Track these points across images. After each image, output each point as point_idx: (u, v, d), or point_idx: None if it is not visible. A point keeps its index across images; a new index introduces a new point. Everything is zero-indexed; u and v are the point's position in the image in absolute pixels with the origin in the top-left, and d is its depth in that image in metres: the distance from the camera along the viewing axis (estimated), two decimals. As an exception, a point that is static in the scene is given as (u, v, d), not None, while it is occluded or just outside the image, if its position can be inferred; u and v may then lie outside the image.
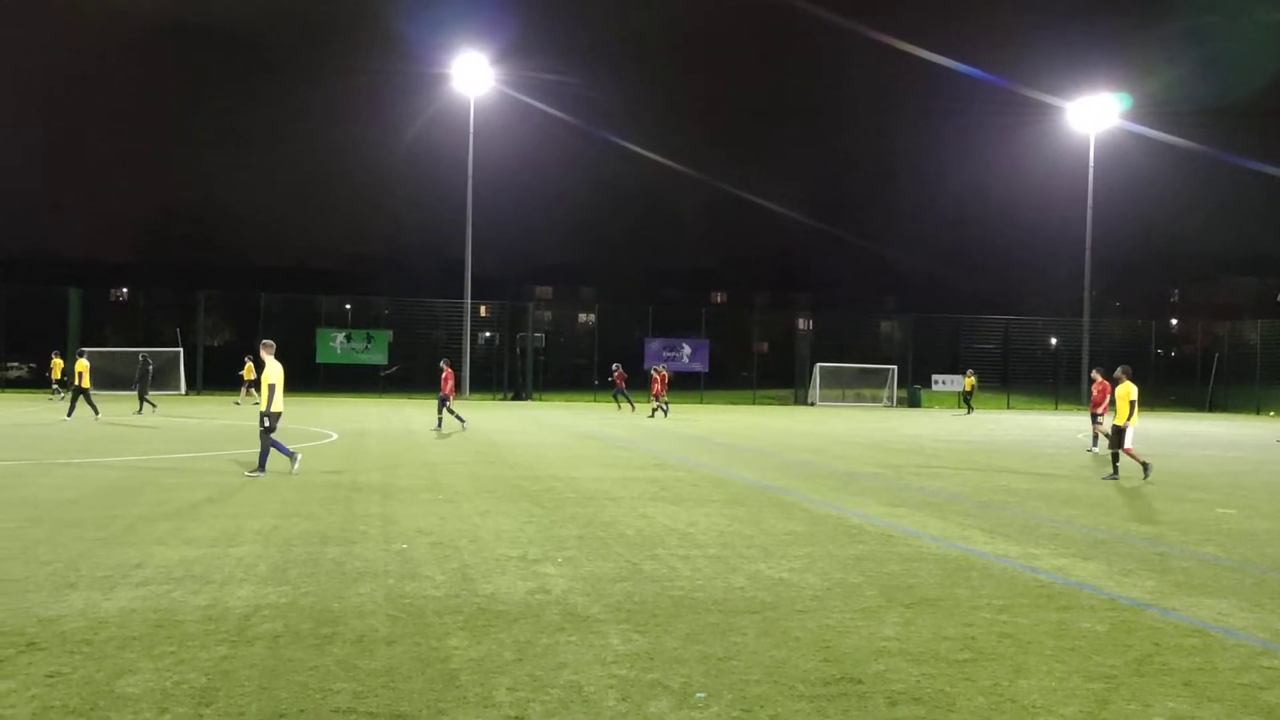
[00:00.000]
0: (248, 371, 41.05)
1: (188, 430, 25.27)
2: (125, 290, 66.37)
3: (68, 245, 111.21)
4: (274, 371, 15.44)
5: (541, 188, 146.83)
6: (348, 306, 60.26)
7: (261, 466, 15.39)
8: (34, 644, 6.35)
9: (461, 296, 53.86)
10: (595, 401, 51.03)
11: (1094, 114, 58.36)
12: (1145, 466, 17.72)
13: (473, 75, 52.39)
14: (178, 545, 9.63)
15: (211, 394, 48.44)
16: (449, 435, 25.15)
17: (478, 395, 52.14)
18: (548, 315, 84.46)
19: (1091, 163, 59.06)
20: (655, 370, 39.92)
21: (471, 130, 52.99)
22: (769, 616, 7.42)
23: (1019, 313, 66.16)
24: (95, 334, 52.16)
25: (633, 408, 40.98)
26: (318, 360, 52.31)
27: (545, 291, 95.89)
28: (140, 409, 32.28)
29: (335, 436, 23.82)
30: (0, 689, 5.53)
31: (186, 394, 47.68)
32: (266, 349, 15.75)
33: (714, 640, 6.76)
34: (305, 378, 52.13)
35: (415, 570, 8.72)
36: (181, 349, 48.92)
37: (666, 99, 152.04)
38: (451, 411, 27.20)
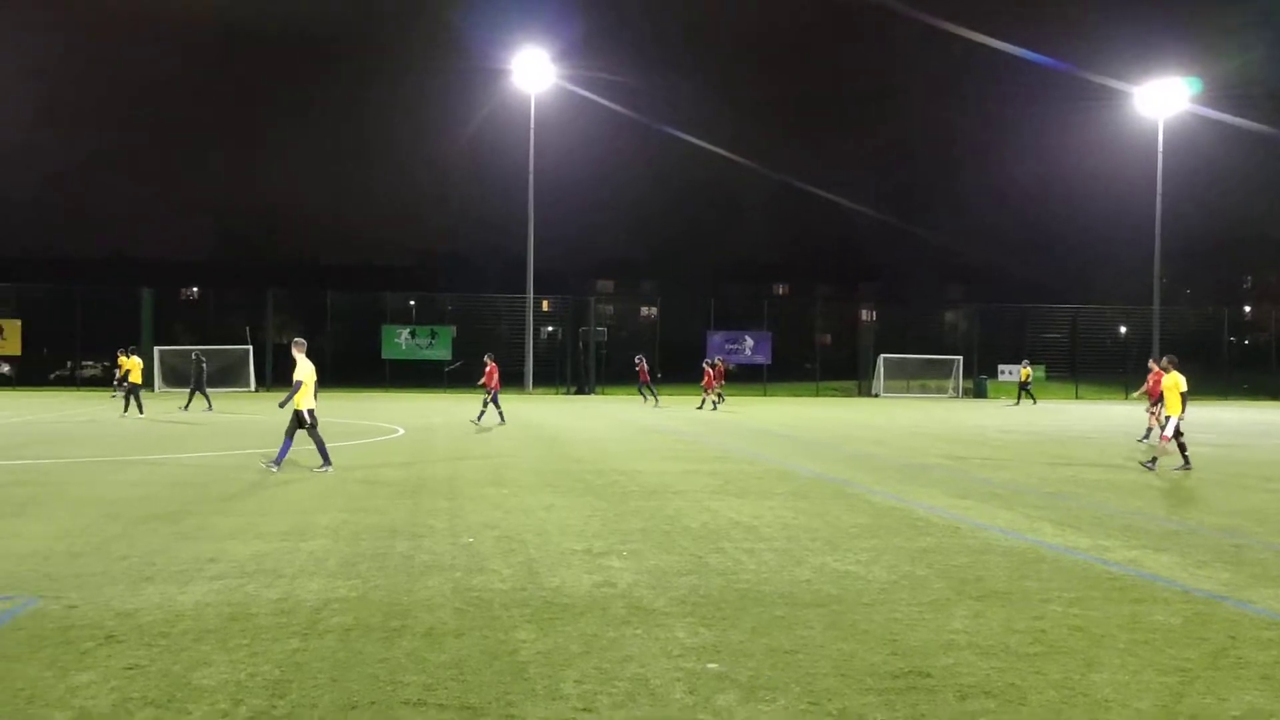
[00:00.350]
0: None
1: (256, 426, 25.68)
2: (196, 290, 67.66)
3: (142, 247, 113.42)
4: (304, 369, 15.63)
5: (602, 182, 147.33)
6: (412, 303, 60.91)
7: (326, 460, 15.59)
8: (113, 636, 6.50)
9: (524, 291, 54.18)
10: (659, 395, 51.05)
11: (1163, 98, 57.17)
12: (1185, 460, 17.37)
13: (534, 71, 52.62)
14: (249, 540, 9.80)
15: (281, 390, 49.20)
16: (489, 429, 25.32)
17: (541, 389, 52.43)
18: (609, 309, 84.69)
19: (1160, 148, 57.89)
20: (707, 364, 39.71)
21: (533, 126, 53.26)
22: (835, 610, 7.38)
23: (1087, 301, 65.09)
24: (167, 333, 53.27)
25: (656, 401, 40.86)
26: (383, 356, 52.91)
27: (607, 285, 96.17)
28: (187, 405, 32.86)
29: (401, 431, 24.09)
30: (81, 680, 5.67)
31: (256, 390, 48.49)
32: (298, 347, 15.93)
33: (780, 633, 6.74)
34: (371, 374, 52.80)
35: (482, 564, 8.79)
36: (251, 346, 49.75)
37: (727, 91, 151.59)
38: (496, 405, 27.26)
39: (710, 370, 38.84)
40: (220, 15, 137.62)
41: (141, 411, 29.32)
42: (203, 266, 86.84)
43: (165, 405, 35.43)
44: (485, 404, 27.18)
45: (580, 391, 52.06)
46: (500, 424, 26.73)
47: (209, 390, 33.83)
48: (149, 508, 11.78)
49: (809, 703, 5.45)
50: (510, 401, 42.43)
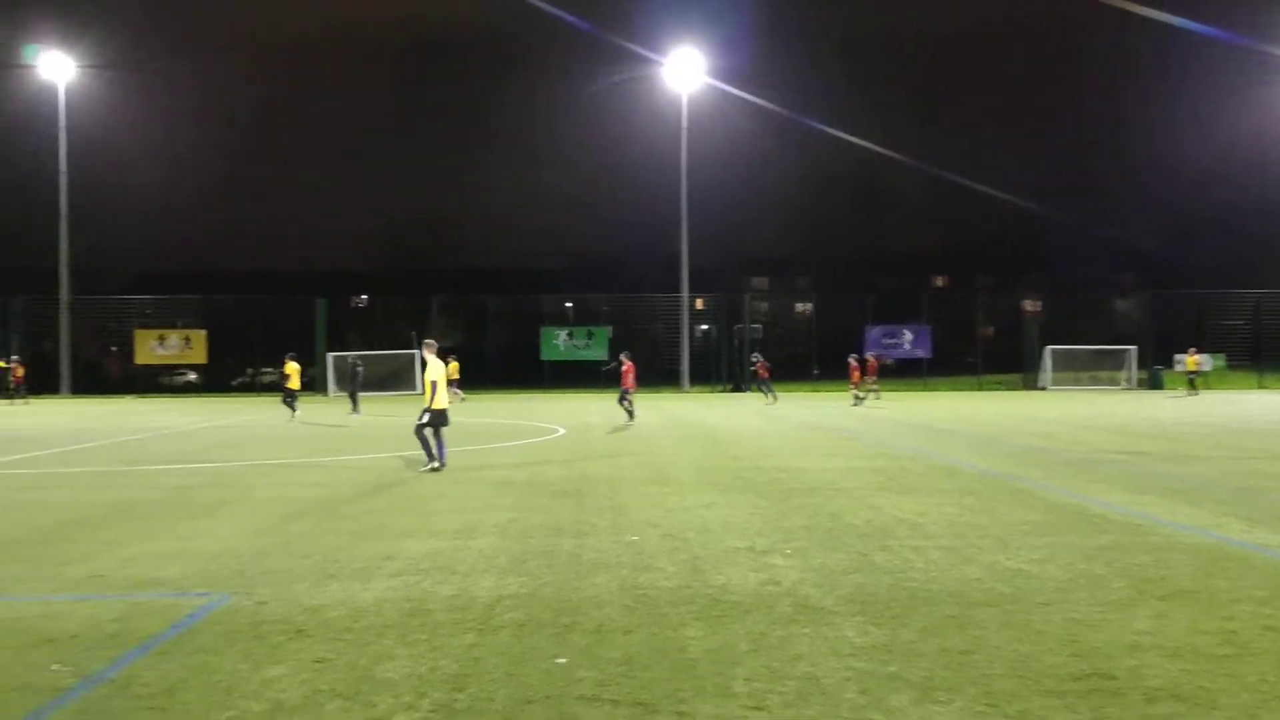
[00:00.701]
0: (454, 370, 42.71)
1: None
2: (365, 297, 70.18)
3: (318, 260, 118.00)
4: (435, 369, 15.89)
5: (756, 179, 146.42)
6: (568, 305, 61.78)
7: (438, 458, 15.98)
8: (301, 631, 6.81)
9: (678, 290, 54.39)
10: (815, 391, 50.59)
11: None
12: None
13: (686, 70, 52.75)
14: (424, 538, 10.12)
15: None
16: (624, 428, 25.59)
17: (697, 387, 52.56)
18: (764, 306, 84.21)
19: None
20: (853, 359, 38.98)
21: (684, 125, 53.39)
22: (1009, 609, 7.20)
23: (1272, 286, 61.65)
24: (339, 339, 55.35)
25: (774, 399, 40.37)
26: (542, 358, 53.87)
27: (761, 282, 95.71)
28: (355, 409, 33.99)
29: (562, 431, 24.49)
30: (274, 673, 5.96)
31: (421, 394, 49.94)
32: (428, 348, 16.25)
33: (953, 633, 6.61)
34: (531, 375, 53.80)
35: (647, 562, 8.88)
36: (417, 351, 51.28)
37: (876, 84, 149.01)
38: (626, 403, 27.40)
39: (856, 365, 38.25)
40: (379, 29, 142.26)
41: (293, 415, 30.53)
42: (373, 275, 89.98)
43: (331, 409, 36.82)
44: (626, 401, 27.45)
45: (736, 389, 51.96)
46: (629, 422, 26.82)
47: (362, 394, 34.93)
48: (329, 508, 12.28)
49: (987, 704, 5.34)
50: (666, 400, 42.68)
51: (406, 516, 11.52)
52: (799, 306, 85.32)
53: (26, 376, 44.93)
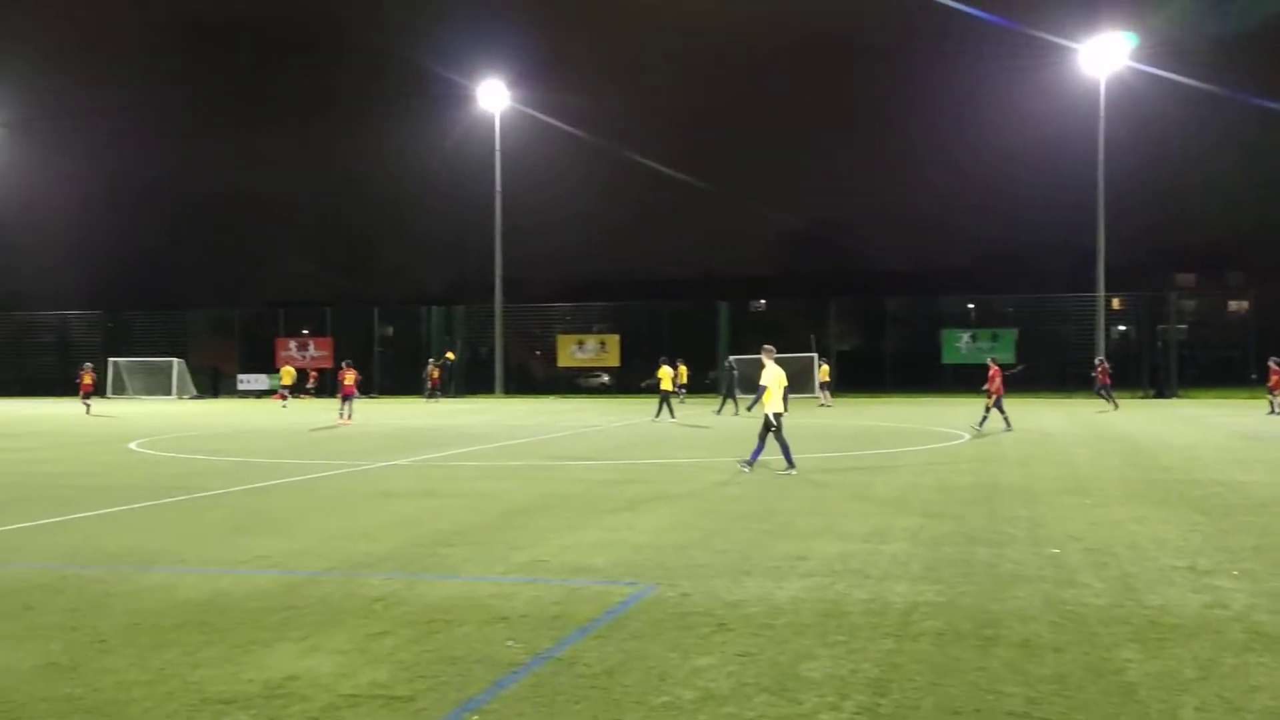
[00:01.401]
0: (824, 373, 42.70)
1: (826, 430, 26.61)
2: (764, 301, 71.56)
3: (722, 266, 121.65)
4: (770, 375, 16.11)
5: (1181, 165, 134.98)
6: (970, 306, 59.89)
7: (790, 464, 16.05)
8: (724, 625, 7.09)
9: (1092, 289, 51.23)
10: (1252, 398, 45.91)
11: None
12: None
13: (1105, 55, 49.52)
14: (833, 540, 10.21)
15: (844, 396, 50.55)
16: (985, 435, 24.33)
17: (1117, 393, 49.25)
18: (1190, 305, 77.51)
19: None
20: (1274, 362, 34.54)
21: (1102, 113, 50.22)
22: None
23: None
24: (739, 342, 56.73)
25: (1115, 406, 36.34)
26: (943, 361, 52.59)
27: (1188, 279, 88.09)
28: (736, 408, 34.63)
29: (967, 437, 23.80)
30: (702, 663, 6.25)
31: (815, 398, 50.20)
32: (767, 354, 16.57)
33: None
34: (930, 379, 52.66)
35: (1071, 576, 8.48)
36: (815, 354, 51.66)
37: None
38: (999, 410, 25.76)
39: (1277, 369, 33.98)
40: (771, 32, 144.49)
41: (673, 416, 31.65)
42: (772, 280, 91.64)
43: (727, 410, 37.80)
44: (988, 409, 25.94)
45: (1159, 395, 48.19)
46: (1006, 430, 25.27)
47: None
48: (740, 506, 12.68)
49: None
50: (1080, 405, 40.32)
51: (814, 518, 11.67)
52: (1231, 304, 77.92)
53: (443, 379, 50.30)
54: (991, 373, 26.08)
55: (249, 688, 5.82)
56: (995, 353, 51.22)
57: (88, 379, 41.40)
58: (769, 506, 12.58)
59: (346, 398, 31.68)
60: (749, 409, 16.57)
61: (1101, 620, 7.09)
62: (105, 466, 18.51)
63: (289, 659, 6.34)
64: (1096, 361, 39.44)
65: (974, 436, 23.86)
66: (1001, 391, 26.03)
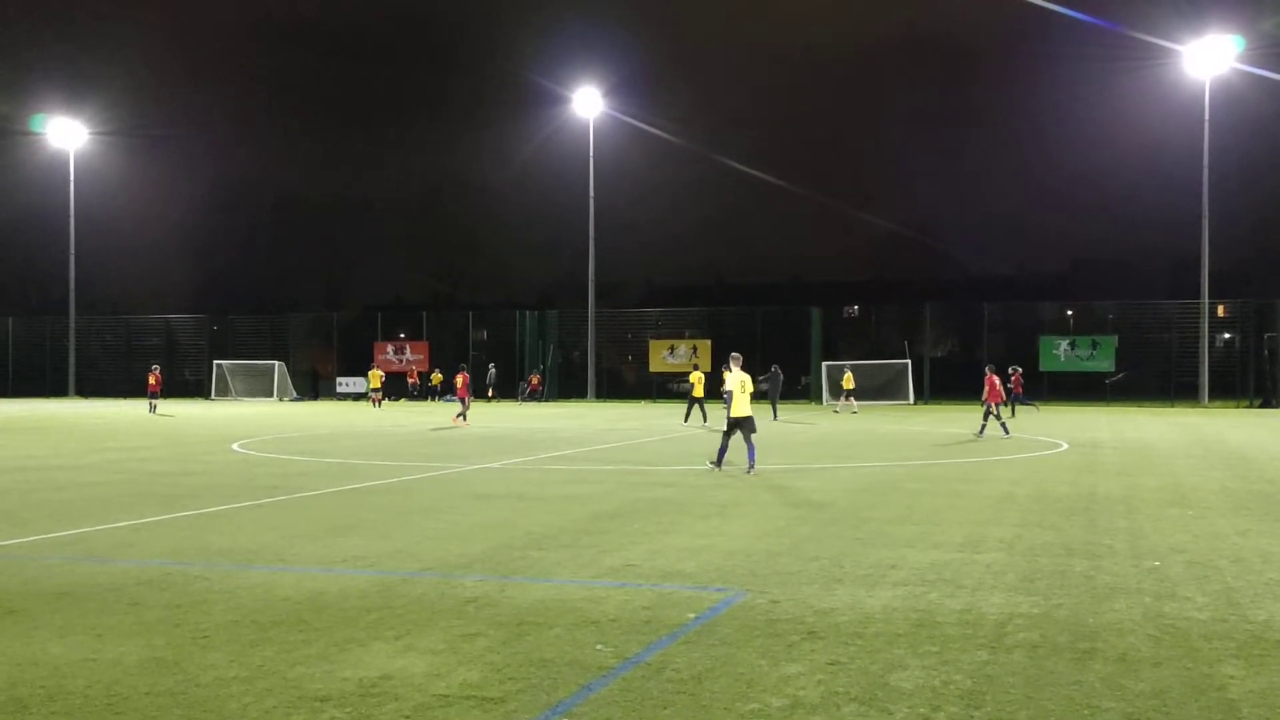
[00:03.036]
0: (849, 381, 42.28)
1: (919, 437, 26.28)
2: (856, 307, 70.88)
3: (815, 271, 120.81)
4: (732, 380, 17.19)
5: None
6: (1069, 312, 58.60)
7: (717, 461, 17.44)
8: (814, 632, 7.06)
9: (1196, 296, 49.78)
10: (1368, 408, 44.18)
11: None
12: None
13: (1210, 58, 48.10)
14: (926, 549, 10.09)
15: (938, 403, 49.88)
16: (983, 439, 24.39)
17: (1218, 402, 47.80)
18: (1301, 311, 74.79)
19: None
20: None
21: (1207, 116, 48.81)
22: None
23: None
24: (830, 348, 56.27)
25: (1037, 409, 35.50)
26: (1040, 368, 51.51)
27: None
28: (775, 416, 35.26)
29: (1065, 446, 23.30)
30: (791, 671, 6.23)
31: (914, 404, 49.61)
32: (735, 360, 17.75)
33: None
34: (1029, 386, 51.56)
35: (1172, 590, 8.27)
36: (909, 360, 51.04)
37: None
38: (996, 417, 26.62)
39: None
40: (861, 34, 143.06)
41: (705, 420, 32.13)
42: (865, 285, 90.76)
43: (820, 416, 37.47)
44: (986, 416, 26.70)
45: (1266, 405, 46.62)
46: (1004, 437, 25.51)
47: (860, 403, 35.56)
48: (833, 512, 12.60)
49: None
50: (1183, 415, 39.19)
51: (907, 525, 11.55)
52: (1346, 311, 75.04)
53: (542, 383, 51.44)
54: (989, 379, 27.01)
55: (344, 686, 5.96)
56: (1095, 361, 50.27)
57: (152, 379, 42.72)
58: (861, 514, 12.47)
59: (462, 400, 32.29)
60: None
61: (1203, 635, 6.91)
62: (209, 466, 19.06)
63: (383, 658, 6.47)
64: (1010, 371, 38.20)
65: (1124, 447, 23.39)
66: (1000, 399, 27.04)
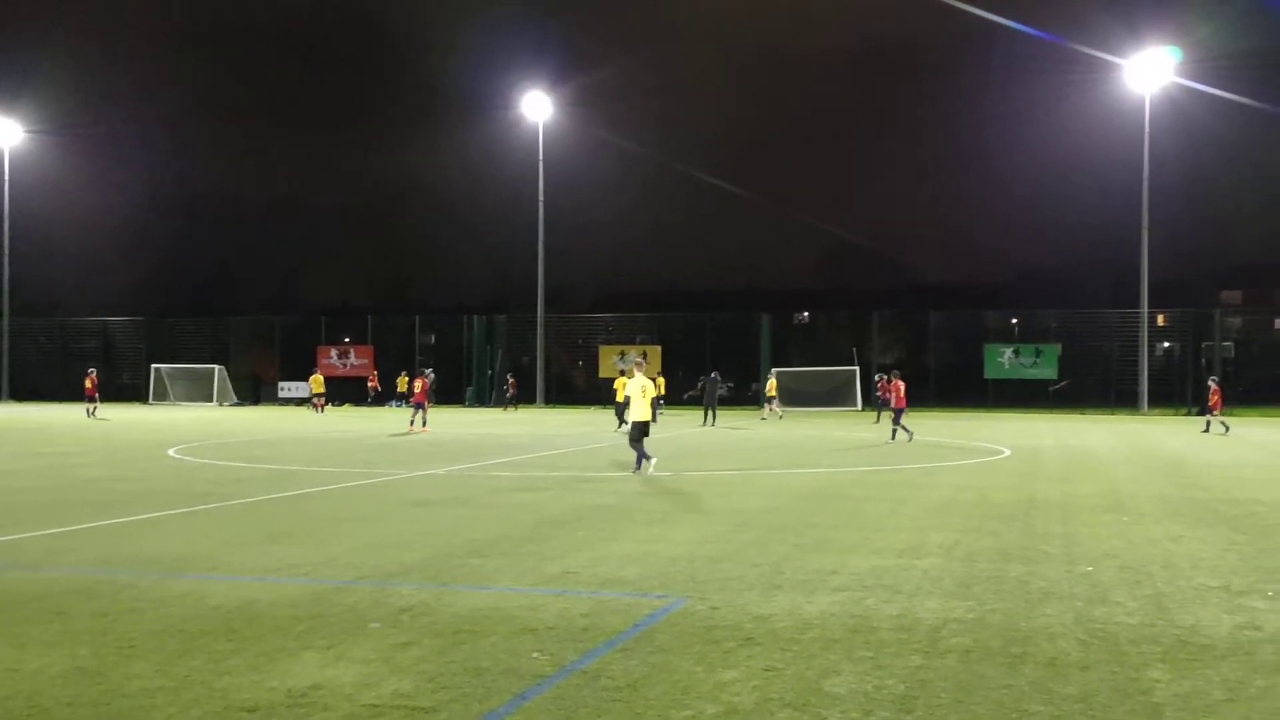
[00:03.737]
0: (771, 388, 42.66)
1: (868, 443, 26.47)
2: (806, 314, 71.30)
3: (765, 279, 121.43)
4: (634, 386, 17.85)
5: (1227, 182, 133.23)
6: (1014, 321, 59.35)
7: (637, 464, 17.84)
8: (751, 639, 7.06)
9: (1137, 306, 50.65)
10: (1301, 416, 45.15)
11: None
12: None
13: (1150, 71, 48.93)
14: (867, 555, 10.15)
15: (886, 410, 50.19)
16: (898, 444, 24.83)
17: (1156, 410, 48.62)
18: (1236, 322, 76.36)
19: None
20: None
21: (1147, 129, 49.65)
22: None
23: None
24: (781, 354, 56.54)
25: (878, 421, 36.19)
26: (985, 376, 52.15)
27: (1234, 296, 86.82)
28: (711, 422, 35.57)
29: (1007, 452, 23.58)
30: (727, 677, 6.22)
31: (862, 410, 49.95)
32: (638, 366, 18.30)
33: None
34: (973, 394, 52.22)
35: (1104, 595, 8.38)
36: (857, 367, 51.41)
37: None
38: (898, 423, 27.20)
39: None
40: (813, 41, 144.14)
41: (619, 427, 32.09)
42: (815, 292, 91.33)
43: (767, 425, 37.68)
44: (895, 423, 27.32)
45: (1203, 413, 47.48)
46: (909, 440, 26.29)
47: (808, 410, 35.73)
48: (776, 519, 12.63)
49: None
50: (1122, 423, 39.85)
51: (849, 531, 11.61)
52: (1278, 322, 76.74)
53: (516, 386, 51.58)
54: (894, 385, 27.80)
55: (272, 696, 5.86)
56: (1038, 369, 50.95)
57: (89, 383, 42.00)
58: (804, 520, 12.51)
59: (418, 406, 31.72)
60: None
61: (1131, 639, 7.00)
62: (143, 472, 18.74)
63: (314, 668, 6.38)
64: (877, 378, 38.95)
65: (1064, 453, 23.66)
66: (904, 405, 27.61)
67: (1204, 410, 34.35)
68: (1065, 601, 8.13)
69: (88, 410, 41.01)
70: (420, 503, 14.34)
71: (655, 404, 17.93)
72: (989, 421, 40.05)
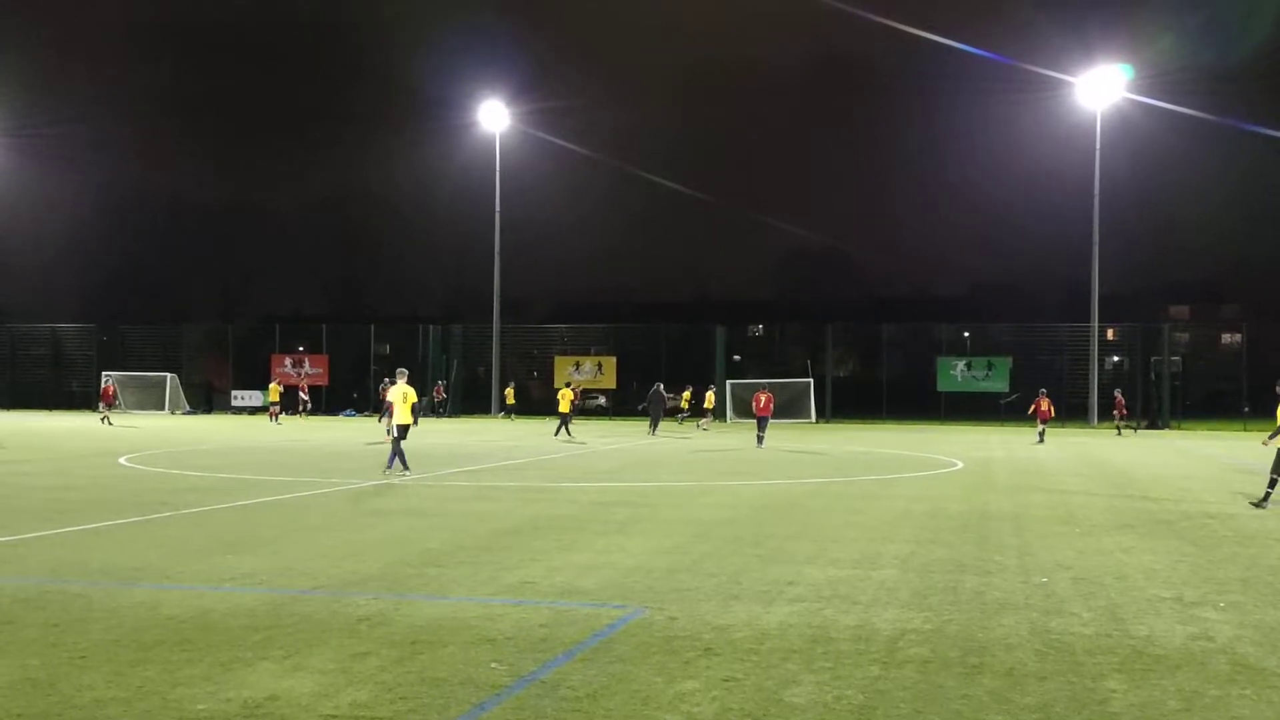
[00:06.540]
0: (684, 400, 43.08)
1: (821, 456, 26.60)
2: (761, 326, 71.63)
3: (720, 289, 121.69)
4: (394, 392, 19.15)
5: (1177, 198, 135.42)
6: (966, 334, 59.94)
7: (389, 464, 19.06)
8: (710, 649, 7.06)
9: (1087, 320, 51.35)
10: (1246, 431, 45.93)
11: None
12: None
13: (1101, 88, 49.72)
14: (824, 565, 10.19)
15: (840, 422, 50.55)
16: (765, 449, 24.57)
17: (1106, 423, 49.28)
18: (1184, 336, 77.64)
19: None
20: None
21: (1098, 146, 50.43)
22: None
23: None
24: (736, 367, 56.79)
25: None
26: (938, 389, 52.60)
27: (1181, 311, 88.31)
28: (653, 431, 37.18)
29: (960, 465, 23.79)
30: (686, 688, 6.22)
31: (816, 422, 50.20)
32: (400, 376, 19.71)
33: None
34: (926, 406, 52.64)
35: (1059, 606, 8.47)
36: (811, 380, 51.66)
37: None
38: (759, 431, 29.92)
39: None
40: (777, 56, 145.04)
41: (557, 434, 33.62)
42: (770, 304, 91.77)
43: (726, 435, 37.80)
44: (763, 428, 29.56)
45: (1152, 426, 48.23)
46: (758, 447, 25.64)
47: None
48: (733, 530, 12.65)
49: None
50: (1073, 435, 40.35)
51: (806, 543, 11.64)
52: (1225, 338, 78.14)
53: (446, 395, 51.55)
54: (763, 398, 30.60)
55: (227, 707, 5.78)
56: (990, 382, 51.50)
57: (110, 388, 42.80)
58: (761, 531, 12.54)
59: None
60: (385, 429, 19.54)
61: (1087, 650, 7.08)
62: (93, 481, 18.44)
63: (270, 678, 6.30)
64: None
65: (1016, 466, 23.87)
66: (768, 413, 30.32)
67: (1034, 418, 35.38)
68: (1021, 612, 8.20)
69: (102, 417, 41.34)
70: (377, 512, 14.22)
71: (415, 409, 19.47)
72: (941, 434, 40.40)
